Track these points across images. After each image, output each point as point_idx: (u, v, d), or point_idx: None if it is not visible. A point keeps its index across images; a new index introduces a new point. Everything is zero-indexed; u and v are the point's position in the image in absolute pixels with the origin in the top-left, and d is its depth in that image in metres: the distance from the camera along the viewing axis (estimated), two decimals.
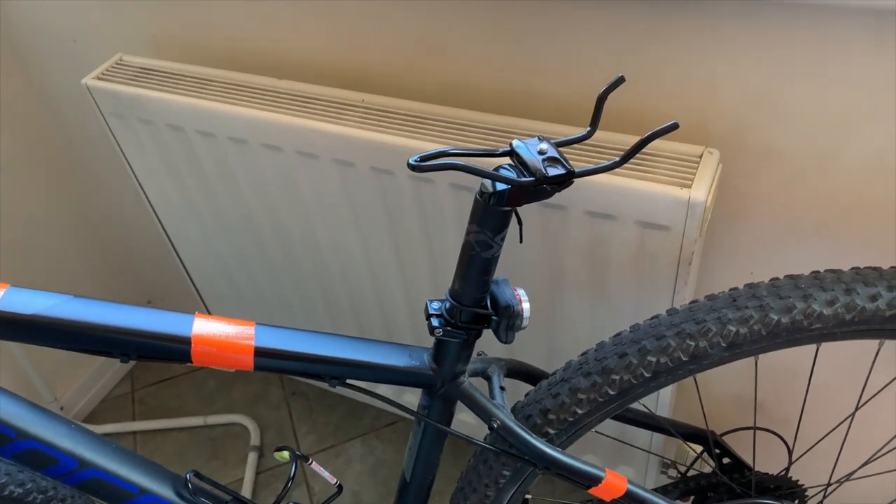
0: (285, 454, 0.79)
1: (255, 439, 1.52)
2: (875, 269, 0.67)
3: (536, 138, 0.59)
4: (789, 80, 0.73)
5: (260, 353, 0.64)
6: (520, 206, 0.58)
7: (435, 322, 0.65)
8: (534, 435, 0.68)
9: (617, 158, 0.58)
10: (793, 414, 1.03)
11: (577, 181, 0.75)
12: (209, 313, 1.37)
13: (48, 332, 0.61)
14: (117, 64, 1.07)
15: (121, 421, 1.61)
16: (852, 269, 0.67)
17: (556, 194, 0.71)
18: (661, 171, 0.76)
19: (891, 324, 0.66)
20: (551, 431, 0.72)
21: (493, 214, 0.58)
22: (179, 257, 1.29)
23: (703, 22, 0.73)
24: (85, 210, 1.50)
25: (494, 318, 0.63)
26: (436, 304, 0.66)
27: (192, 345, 0.63)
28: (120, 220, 1.53)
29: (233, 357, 0.64)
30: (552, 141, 0.60)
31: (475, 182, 0.82)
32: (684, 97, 0.79)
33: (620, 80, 0.59)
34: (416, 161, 0.53)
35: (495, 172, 0.55)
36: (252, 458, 1.49)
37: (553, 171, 0.56)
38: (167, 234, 1.25)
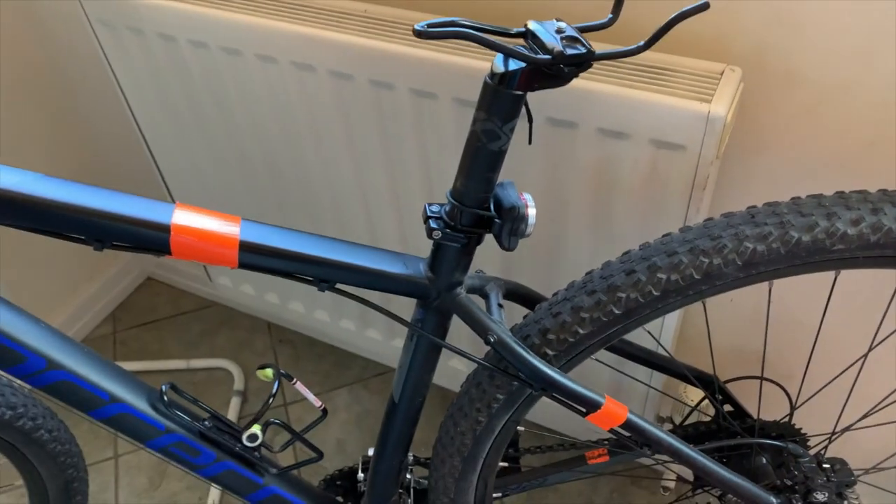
0: (269, 372, 0.75)
1: (238, 384, 1.48)
2: None
3: (554, 20, 0.55)
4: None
5: (245, 247, 0.60)
6: (533, 90, 0.53)
7: (433, 224, 0.60)
8: (532, 353, 0.64)
9: (641, 43, 0.53)
10: (796, 368, 1.00)
11: (589, 94, 0.71)
12: None
13: (16, 209, 0.56)
14: None
15: None
16: (880, 190, 0.63)
17: (567, 107, 0.66)
18: (681, 87, 0.71)
19: None
20: (550, 353, 0.67)
21: (503, 99, 0.53)
22: (165, 182, 1.24)
23: None
24: (72, 135, 1.44)
25: (497, 220, 0.59)
26: (435, 207, 0.62)
27: (172, 234, 0.58)
28: (109, 144, 1.47)
29: (215, 251, 0.60)
30: (574, 26, 0.55)
31: None
32: (705, 14, 0.75)
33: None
34: (422, 27, 0.49)
35: (510, 47, 0.51)
36: (235, 402, 1.45)
37: (572, 51, 0.51)
38: (154, 158, 1.20)
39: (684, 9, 0.51)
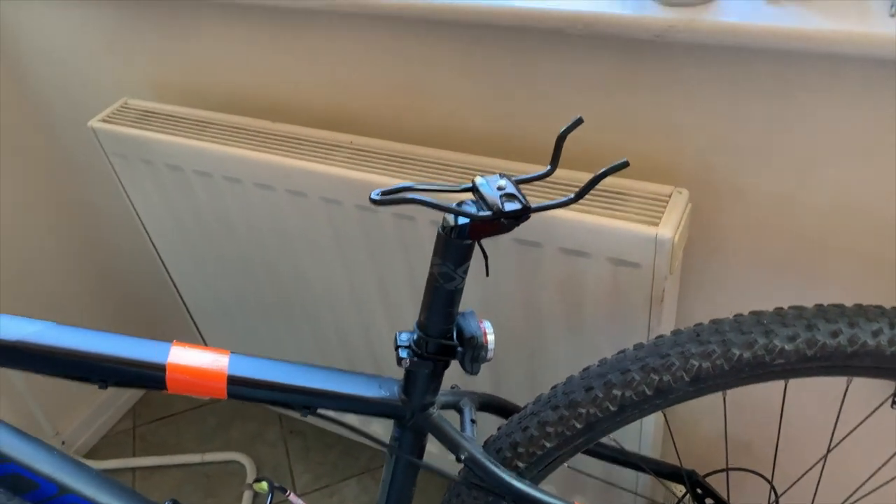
0: (263, 485, 0.81)
1: (250, 477, 1.53)
2: (838, 306, 0.68)
3: (497, 175, 0.62)
4: (752, 123, 0.75)
5: (233, 381, 0.66)
6: (480, 239, 0.60)
7: (403, 353, 0.67)
8: (502, 468, 0.69)
9: (571, 195, 0.60)
10: (782, 454, 1.03)
11: (550, 220, 0.78)
12: (205, 343, 1.40)
13: (31, 357, 0.64)
14: (122, 107, 1.12)
15: (121, 457, 1.63)
16: (815, 305, 0.69)
17: (531, 231, 0.73)
18: (632, 210, 0.78)
19: (854, 360, 0.66)
20: (521, 465, 0.72)
21: (454, 247, 0.60)
22: (177, 289, 1.32)
23: (673, 67, 0.76)
24: (90, 245, 1.54)
25: (460, 349, 0.65)
26: (404, 336, 0.68)
27: (167, 372, 0.65)
28: (122, 254, 1.57)
29: (207, 385, 0.66)
30: (513, 178, 0.62)
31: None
32: (654, 139, 0.82)
33: (578, 122, 0.62)
34: (377, 195, 0.56)
35: (454, 207, 0.58)
36: (247, 496, 1.50)
37: (510, 206, 0.58)
38: (165, 267, 1.28)
39: (608, 167, 0.58)
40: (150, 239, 1.23)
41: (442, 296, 0.63)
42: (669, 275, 0.77)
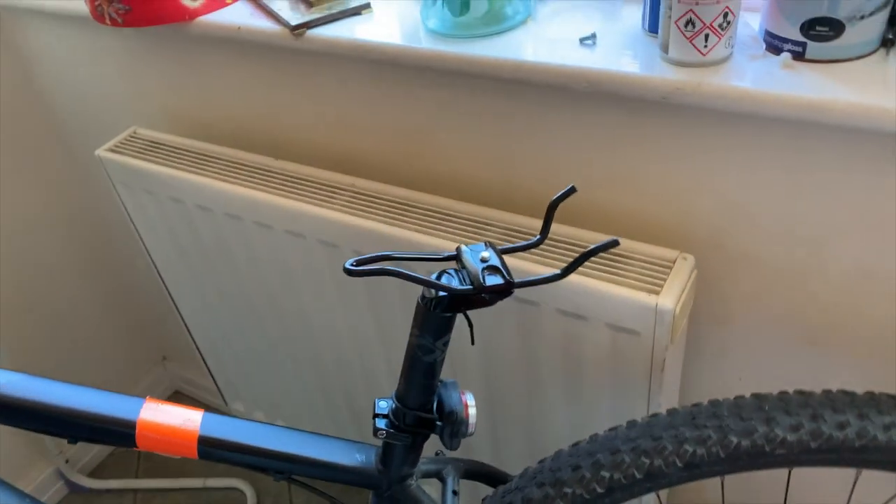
0: None
1: None
2: (847, 393, 0.63)
3: (483, 244, 0.59)
4: (764, 190, 0.71)
5: (204, 441, 0.64)
6: (460, 311, 0.57)
7: (380, 423, 0.64)
8: None
9: (558, 271, 0.57)
10: None
11: None
12: (209, 370, 1.39)
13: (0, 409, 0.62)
14: (130, 137, 1.12)
15: (123, 477, 1.62)
16: (823, 391, 0.64)
17: (529, 290, 0.70)
18: (633, 275, 0.74)
19: (863, 454, 0.62)
20: None
21: (433, 319, 0.57)
22: (181, 315, 1.31)
23: (681, 129, 0.72)
24: (100, 265, 1.55)
25: (439, 423, 0.62)
26: (383, 404, 0.65)
27: (138, 430, 0.63)
28: (132, 275, 1.57)
29: (177, 444, 0.64)
30: (499, 248, 0.59)
31: None
32: (661, 200, 0.78)
33: (571, 191, 0.59)
34: (351, 265, 0.54)
35: (432, 280, 0.55)
36: None
37: (492, 280, 0.55)
38: (170, 293, 1.28)
39: (596, 245, 0.55)
40: (154, 265, 1.23)
41: (420, 368, 0.60)
42: (670, 344, 0.73)
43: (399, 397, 0.63)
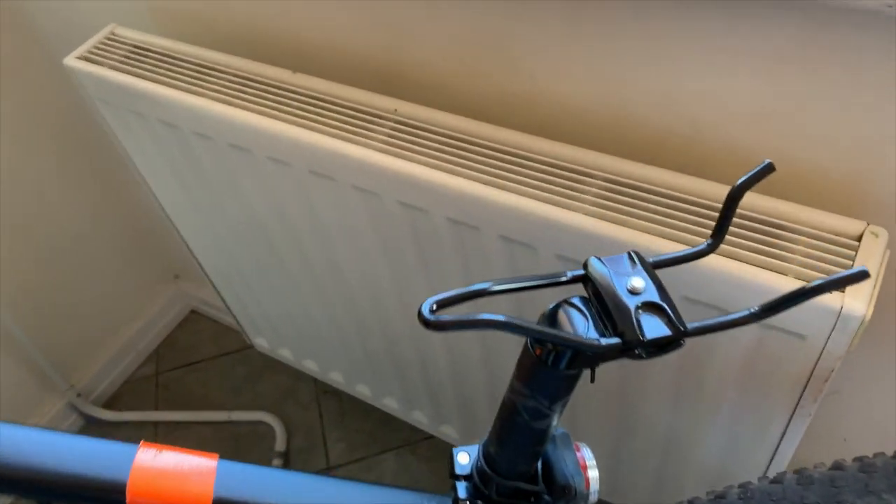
0: None
1: (280, 444, 1.39)
2: None
3: (626, 257, 0.38)
4: None
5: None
6: (593, 367, 0.37)
7: (461, 491, 0.46)
8: None
9: (754, 309, 0.36)
10: None
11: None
12: (228, 308, 1.21)
13: None
14: (108, 38, 0.88)
15: (142, 409, 1.50)
16: None
17: None
18: (800, 258, 0.53)
19: None
20: None
21: (552, 378, 0.38)
22: (192, 252, 1.12)
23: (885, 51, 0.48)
24: (100, 185, 1.34)
25: (546, 497, 0.44)
26: (464, 457, 0.47)
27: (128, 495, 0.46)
28: (137, 195, 1.37)
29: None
30: (650, 260, 0.38)
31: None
32: (839, 147, 0.56)
33: (768, 170, 0.37)
34: (431, 315, 0.33)
35: (559, 334, 0.35)
36: (277, 465, 1.36)
37: (652, 327, 0.35)
38: (177, 229, 1.08)
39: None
40: (155, 196, 1.02)
41: (527, 434, 0.41)
42: (845, 354, 0.53)
43: (489, 458, 0.44)
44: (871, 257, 0.52)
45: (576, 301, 0.37)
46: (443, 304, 0.34)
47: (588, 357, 0.36)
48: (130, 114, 0.86)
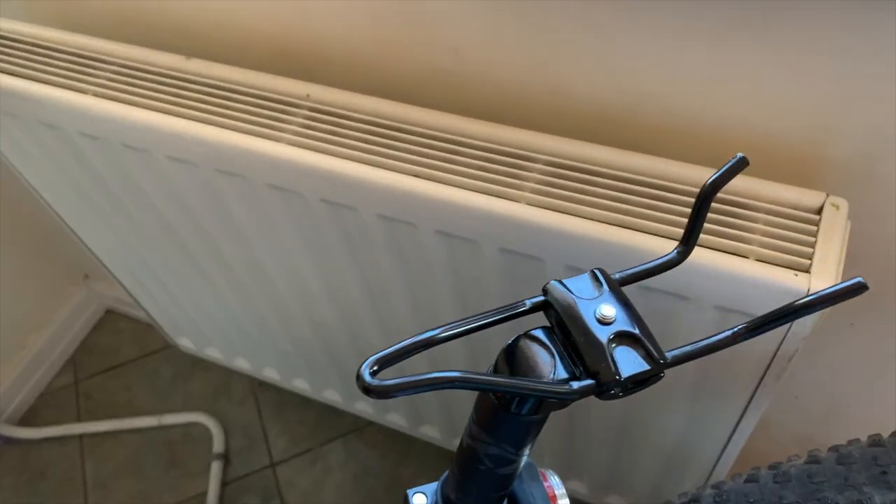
0: None
1: (218, 445, 1.32)
2: None
3: (589, 276, 0.33)
4: None
5: None
6: (560, 409, 0.33)
7: None
8: None
9: (738, 328, 0.31)
10: None
11: (640, 249, 0.50)
12: (144, 310, 1.12)
13: None
14: None
15: (64, 422, 1.40)
16: None
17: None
18: (758, 240, 0.49)
19: None
20: None
21: (517, 425, 0.33)
22: (97, 257, 1.03)
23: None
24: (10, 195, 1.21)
25: None
26: (420, 499, 0.42)
27: None
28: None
29: None
30: (616, 276, 0.33)
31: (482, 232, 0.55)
32: (792, 114, 0.52)
33: (741, 164, 0.33)
34: (372, 379, 0.27)
35: (521, 383, 0.30)
36: (216, 467, 1.29)
37: (627, 363, 0.30)
38: (77, 236, 0.98)
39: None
40: (47, 204, 0.92)
41: (490, 481, 0.36)
42: (809, 335, 0.51)
43: (448, 502, 0.39)
44: (833, 232, 0.49)
45: (538, 334, 0.32)
46: (384, 363, 0.28)
47: (557, 402, 0.31)
48: (3, 115, 0.75)
